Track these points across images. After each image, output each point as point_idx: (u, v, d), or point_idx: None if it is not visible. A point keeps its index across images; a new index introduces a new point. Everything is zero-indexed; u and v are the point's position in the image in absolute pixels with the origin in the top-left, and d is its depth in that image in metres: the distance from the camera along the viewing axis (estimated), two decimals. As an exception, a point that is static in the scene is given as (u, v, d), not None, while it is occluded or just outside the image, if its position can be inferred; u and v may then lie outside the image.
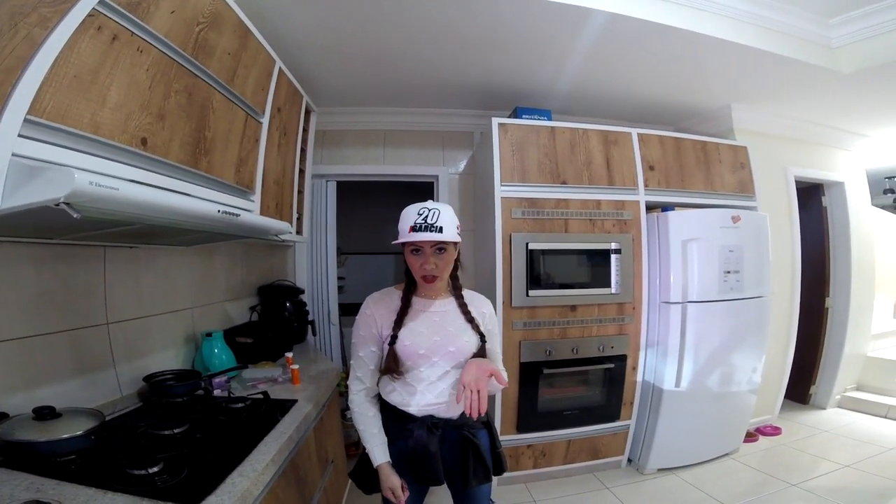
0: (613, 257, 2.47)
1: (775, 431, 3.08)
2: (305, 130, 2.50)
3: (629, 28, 2.08)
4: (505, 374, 1.40)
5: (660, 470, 2.61)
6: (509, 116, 2.65)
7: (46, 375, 1.30)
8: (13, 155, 0.80)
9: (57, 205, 0.75)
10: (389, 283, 1.44)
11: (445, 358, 1.29)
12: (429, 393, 1.30)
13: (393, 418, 1.33)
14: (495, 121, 2.44)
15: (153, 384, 1.60)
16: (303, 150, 2.44)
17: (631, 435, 2.64)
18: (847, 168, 3.63)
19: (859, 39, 2.38)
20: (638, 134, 2.62)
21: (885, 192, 5.61)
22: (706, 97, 2.92)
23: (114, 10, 1.03)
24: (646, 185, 2.58)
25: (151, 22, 1.16)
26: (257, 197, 1.78)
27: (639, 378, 2.59)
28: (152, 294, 1.71)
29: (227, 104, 1.56)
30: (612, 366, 2.51)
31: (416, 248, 1.24)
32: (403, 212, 1.26)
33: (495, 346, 1.42)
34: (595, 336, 2.48)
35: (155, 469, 1.05)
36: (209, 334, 1.89)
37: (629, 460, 2.70)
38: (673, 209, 2.55)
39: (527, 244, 2.35)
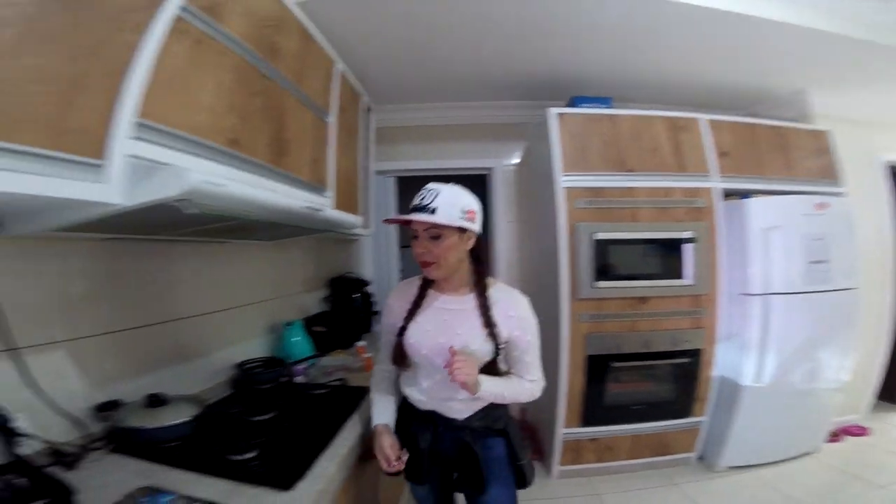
0: (687, 247, 2.27)
1: (862, 432, 2.75)
2: (366, 129, 2.50)
3: (688, 14, 1.91)
4: (539, 385, 1.22)
5: (731, 468, 2.41)
6: (565, 106, 2.51)
7: (152, 364, 1.37)
8: (128, 156, 0.83)
9: (174, 201, 0.77)
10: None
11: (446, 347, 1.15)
12: (431, 393, 1.20)
13: (404, 410, 1.28)
14: (552, 111, 2.32)
15: (244, 371, 1.65)
16: (365, 148, 2.45)
17: (703, 431, 2.45)
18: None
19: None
20: (707, 120, 2.40)
21: None
22: (779, 82, 2.64)
23: (194, 15, 1.03)
24: (720, 172, 2.36)
25: (227, 25, 1.16)
26: (331, 193, 1.79)
27: (714, 373, 2.38)
28: (240, 286, 1.77)
29: (298, 106, 1.57)
30: (685, 360, 2.32)
31: (414, 234, 1.12)
32: None
33: (526, 353, 1.19)
34: (667, 330, 2.30)
35: (251, 455, 1.06)
36: (290, 323, 1.94)
37: (700, 457, 2.51)
38: (751, 196, 2.32)
39: (592, 234, 2.21)
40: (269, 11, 1.39)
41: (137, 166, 0.83)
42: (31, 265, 1.05)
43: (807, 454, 2.51)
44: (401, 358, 1.20)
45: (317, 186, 1.68)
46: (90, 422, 1.13)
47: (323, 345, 2.11)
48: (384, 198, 3.06)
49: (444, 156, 3.07)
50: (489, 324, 1.13)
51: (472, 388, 1.07)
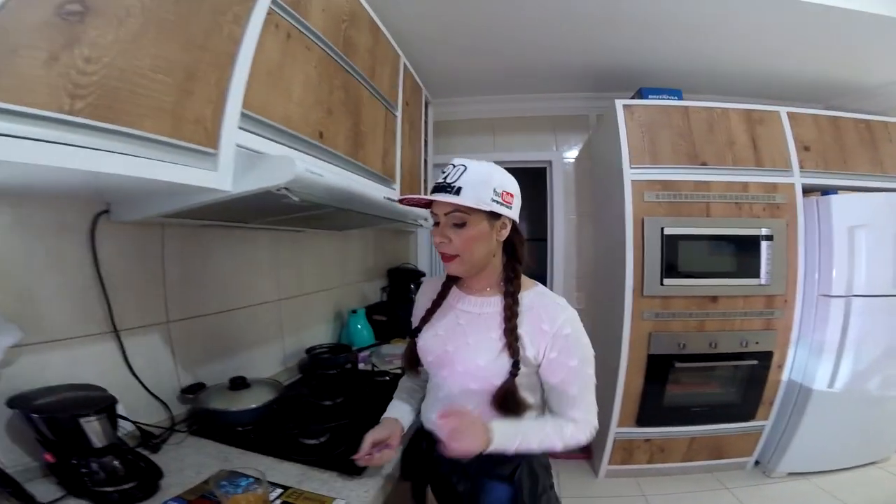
0: (764, 244, 2.10)
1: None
2: (425, 122, 2.47)
3: (764, 3, 1.75)
4: (586, 427, 0.90)
5: (790, 474, 2.27)
6: (632, 97, 2.38)
7: (232, 347, 1.40)
8: (236, 145, 0.83)
9: (278, 189, 0.76)
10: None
11: (452, 377, 0.92)
12: (433, 410, 0.95)
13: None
14: (619, 103, 2.19)
15: (313, 356, 1.66)
16: (424, 142, 2.42)
17: (765, 436, 2.30)
18: None
19: None
20: (787, 113, 2.21)
21: None
22: (863, 73, 2.38)
23: (282, 8, 1.02)
24: (801, 167, 2.16)
25: (310, 19, 1.14)
26: (398, 185, 1.78)
27: (784, 377, 2.22)
28: (310, 274, 1.80)
29: (371, 99, 1.55)
30: (754, 362, 2.16)
31: (436, 220, 0.89)
32: None
33: (569, 384, 0.88)
34: (738, 330, 2.15)
35: (322, 440, 1.07)
36: (354, 311, 1.96)
37: (756, 462, 2.37)
38: (836, 192, 2.11)
39: (662, 229, 2.08)
40: (344, 6, 1.38)
41: (241, 155, 0.83)
42: (134, 248, 1.08)
43: (873, 463, 2.34)
44: (411, 361, 1.00)
45: (386, 178, 1.66)
46: (174, 404, 1.16)
47: (382, 333, 2.12)
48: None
49: (500, 148, 3.00)
50: (511, 334, 0.85)
51: (480, 450, 0.81)
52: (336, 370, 1.64)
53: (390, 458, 0.94)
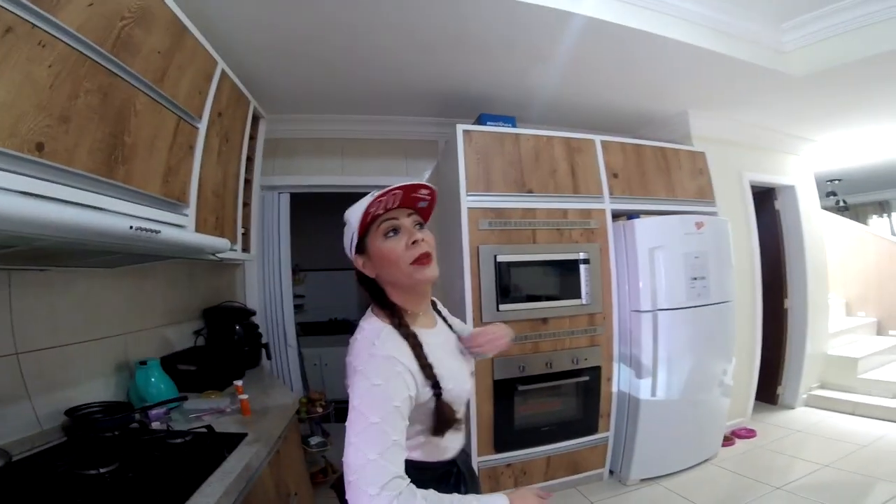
0: (582, 267, 2.41)
1: (750, 434, 3.07)
2: (253, 138, 2.34)
3: (601, 32, 2.06)
4: None
5: (643, 480, 2.55)
6: (474, 123, 2.58)
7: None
8: None
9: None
10: (353, 300, 1.27)
11: (470, 383, 1.03)
12: (458, 442, 1.02)
13: (423, 478, 0.82)
14: (460, 127, 2.36)
15: (76, 418, 1.41)
16: (249, 159, 2.27)
17: (610, 447, 2.57)
18: (797, 172, 3.75)
19: (809, 43, 2.43)
20: (601, 141, 2.61)
21: (828, 194, 5.93)
22: (664, 103, 2.96)
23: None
24: (611, 193, 2.55)
25: (60, 14, 1.03)
26: (192, 210, 1.60)
27: (614, 389, 2.53)
28: (71, 321, 1.51)
29: (153, 107, 1.40)
30: (586, 378, 2.43)
31: (394, 225, 0.88)
32: (349, 213, 0.94)
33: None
34: (568, 349, 2.40)
35: None
36: (143, 362, 1.70)
37: (611, 472, 2.63)
38: (638, 216, 2.53)
39: (495, 256, 2.26)
40: (130, 2, 1.25)
41: None
42: None
43: (707, 460, 2.73)
44: (451, 415, 0.88)
45: (172, 202, 1.49)
46: None
47: (191, 385, 1.87)
48: (273, 217, 2.87)
49: (349, 171, 2.99)
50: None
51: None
52: (115, 432, 1.40)
53: None
